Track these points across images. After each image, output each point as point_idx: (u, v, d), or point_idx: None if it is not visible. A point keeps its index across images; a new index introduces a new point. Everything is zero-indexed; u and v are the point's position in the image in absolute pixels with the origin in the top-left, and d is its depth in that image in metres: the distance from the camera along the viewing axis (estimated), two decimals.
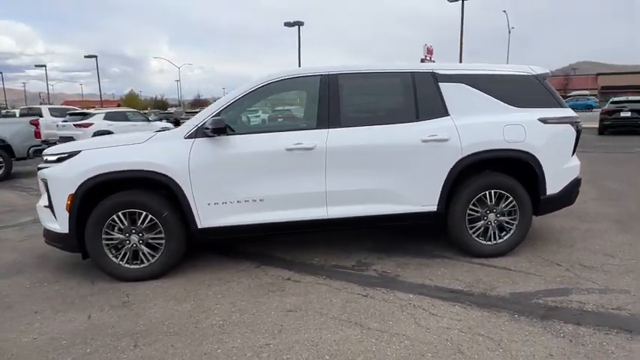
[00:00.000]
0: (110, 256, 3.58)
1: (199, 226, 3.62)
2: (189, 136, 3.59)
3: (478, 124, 3.78)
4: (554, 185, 3.92)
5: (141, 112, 19.27)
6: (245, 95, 3.72)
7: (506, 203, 3.86)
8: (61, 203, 3.49)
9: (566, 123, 3.93)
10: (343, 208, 3.73)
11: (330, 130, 3.67)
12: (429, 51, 56.62)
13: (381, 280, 3.51)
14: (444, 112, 3.81)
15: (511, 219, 3.90)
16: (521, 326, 2.71)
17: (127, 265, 3.60)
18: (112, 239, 3.56)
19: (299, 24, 33.61)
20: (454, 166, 3.74)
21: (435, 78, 3.87)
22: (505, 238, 3.92)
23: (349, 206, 3.74)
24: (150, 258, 3.62)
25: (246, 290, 3.38)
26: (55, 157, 3.61)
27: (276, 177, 3.64)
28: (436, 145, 3.72)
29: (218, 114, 3.63)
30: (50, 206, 3.58)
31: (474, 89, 3.87)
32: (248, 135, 3.64)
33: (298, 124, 3.83)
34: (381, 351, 2.48)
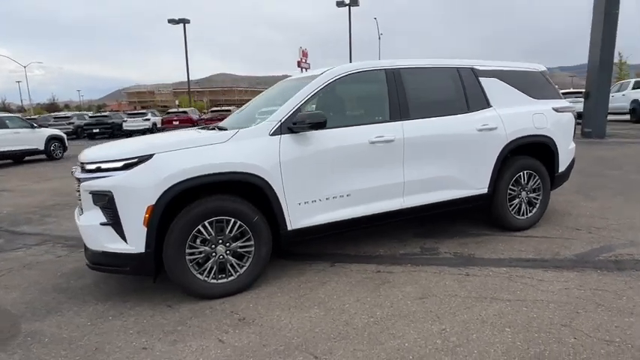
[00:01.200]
0: (195, 272, 3.13)
1: (289, 228, 3.40)
2: (275, 133, 3.34)
3: (515, 114, 4.30)
4: (563, 164, 4.67)
5: (24, 118, 16.08)
6: (319, 90, 3.59)
7: (534, 182, 4.47)
8: (136, 218, 2.94)
9: (569, 111, 4.72)
10: (417, 197, 3.89)
11: (403, 122, 3.78)
12: (304, 54, 58.87)
13: (462, 260, 3.77)
14: (487, 104, 4.24)
15: (537, 195, 4.53)
16: (615, 278, 3.24)
17: (213, 281, 3.19)
18: (196, 253, 3.12)
19: (184, 21, 31.75)
20: (501, 152, 4.20)
21: (475, 73, 4.28)
22: (533, 212, 4.53)
23: (421, 195, 3.91)
24: (238, 269, 3.27)
25: (354, 287, 3.30)
26: (119, 164, 3.00)
27: (362, 171, 3.62)
28: (488, 134, 4.13)
29: (298, 109, 3.45)
30: (114, 223, 2.98)
31: (505, 83, 4.39)
32: (331, 129, 3.52)
33: (374, 118, 3.81)
34: (541, 315, 2.74)
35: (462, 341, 2.50)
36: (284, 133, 3.36)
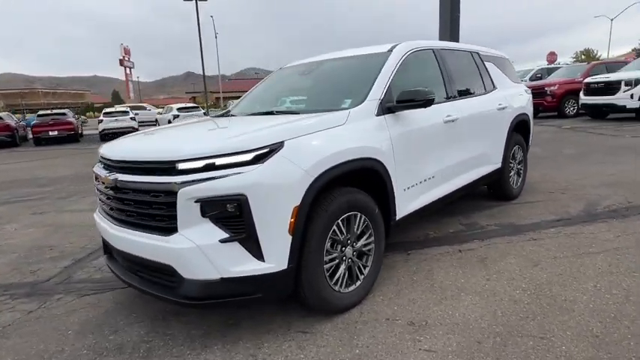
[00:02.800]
0: (330, 283, 2.57)
1: (397, 218, 3.09)
2: (378, 114, 2.97)
3: (512, 95, 4.82)
4: (530, 138, 5.45)
5: None
6: (398, 66, 3.33)
7: (520, 154, 5.10)
8: (279, 225, 2.25)
9: (529, 93, 5.52)
10: (466, 175, 4.00)
11: (453, 101, 3.83)
12: (127, 51, 54.46)
13: (511, 229, 4.04)
14: (494, 86, 4.63)
15: (521, 166, 5.18)
16: (629, 223, 3.95)
17: (344, 290, 2.68)
18: (329, 260, 2.56)
19: None
20: (509, 129, 4.65)
21: (481, 57, 4.62)
22: (519, 181, 5.16)
23: (469, 172, 4.04)
24: (363, 271, 2.82)
25: (466, 268, 3.21)
26: (249, 156, 2.22)
27: (440, 151, 3.54)
28: (502, 112, 4.51)
29: (389, 87, 3.14)
30: (245, 237, 2.21)
31: (497, 67, 4.87)
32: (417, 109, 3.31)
33: (438, 97, 3.70)
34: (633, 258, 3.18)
35: (620, 291, 2.71)
36: (385, 114, 3.02)
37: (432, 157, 3.42)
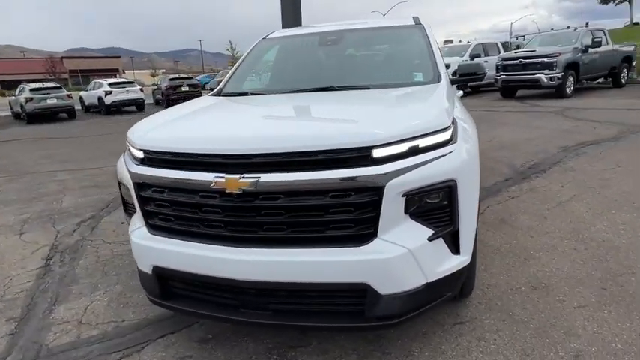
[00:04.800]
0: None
1: None
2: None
3: None
4: None
5: None
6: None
7: None
8: (472, 212, 2.01)
9: None
10: None
11: None
12: None
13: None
14: None
15: None
16: (557, 175, 4.99)
17: None
18: None
19: None
20: None
21: None
22: None
23: None
24: None
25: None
26: (445, 135, 1.85)
27: None
28: None
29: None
30: (451, 230, 1.89)
31: None
32: None
33: None
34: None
35: (626, 225, 3.44)
36: None
37: None
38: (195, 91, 21.10)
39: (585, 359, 2.00)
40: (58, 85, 19.17)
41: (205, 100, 3.04)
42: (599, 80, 15.26)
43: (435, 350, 2.13)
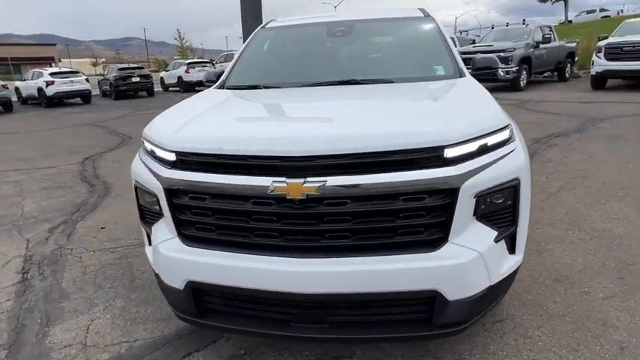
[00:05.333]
0: None
1: None
2: None
3: None
4: None
5: None
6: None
7: None
8: (527, 210, 1.93)
9: None
10: None
11: None
12: None
13: None
14: None
15: None
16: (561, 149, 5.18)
17: None
18: None
19: None
20: None
21: None
22: None
23: None
24: None
25: None
26: (507, 133, 1.78)
27: None
28: None
29: None
30: (511, 232, 1.84)
31: None
32: None
33: None
34: None
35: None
36: None
37: None
38: (147, 82, 19.99)
39: (631, 350, 2.04)
40: None
41: (216, 94, 2.78)
42: (546, 74, 16.19)
43: (485, 351, 2.09)
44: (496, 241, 1.77)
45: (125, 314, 2.58)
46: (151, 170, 1.91)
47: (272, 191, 1.60)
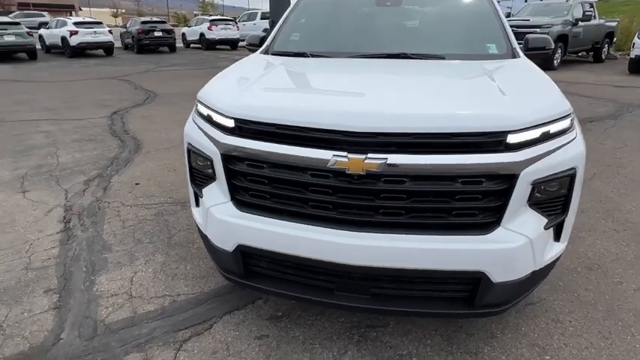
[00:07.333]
0: None
1: None
2: None
3: None
4: None
5: None
6: None
7: None
8: (578, 198, 1.94)
9: None
10: None
11: None
12: None
13: None
14: None
15: None
16: None
17: None
18: None
19: None
20: None
21: None
22: None
23: None
24: None
25: None
26: (568, 121, 1.76)
27: None
28: None
29: None
30: (561, 220, 1.85)
31: None
32: None
33: None
34: None
35: None
36: None
37: None
38: (169, 37, 19.75)
39: None
40: (16, 20, 17.33)
41: (267, 60, 2.74)
42: (580, 54, 15.55)
43: (516, 331, 2.15)
44: (546, 228, 1.78)
45: (166, 269, 2.69)
46: (207, 135, 1.93)
47: (332, 165, 1.62)
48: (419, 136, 1.59)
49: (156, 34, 19.39)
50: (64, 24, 17.93)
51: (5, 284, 2.53)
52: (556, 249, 1.92)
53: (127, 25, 21.78)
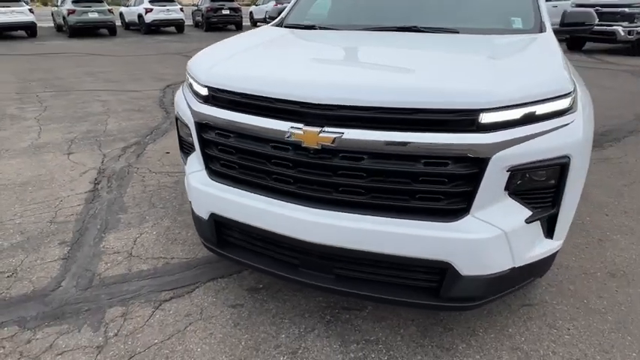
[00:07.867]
0: None
1: None
2: None
3: None
4: None
5: None
6: None
7: None
8: (577, 193, 1.73)
9: None
10: None
11: None
12: None
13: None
14: None
15: None
16: None
17: None
18: None
19: None
20: None
21: None
22: None
23: None
24: None
25: None
26: (566, 101, 1.57)
27: None
28: None
29: None
30: (549, 214, 1.65)
31: None
32: None
33: None
34: None
35: None
36: None
37: None
38: (236, 15, 20.25)
39: None
40: None
41: (269, 31, 2.72)
42: None
43: (502, 332, 1.98)
44: (528, 222, 1.60)
45: (168, 233, 2.82)
46: (187, 103, 1.96)
47: (289, 137, 1.57)
48: (379, 111, 1.48)
49: (224, 12, 19.96)
50: (141, 2, 19.03)
51: (30, 233, 2.81)
52: (547, 246, 1.72)
53: (198, 3, 22.65)
